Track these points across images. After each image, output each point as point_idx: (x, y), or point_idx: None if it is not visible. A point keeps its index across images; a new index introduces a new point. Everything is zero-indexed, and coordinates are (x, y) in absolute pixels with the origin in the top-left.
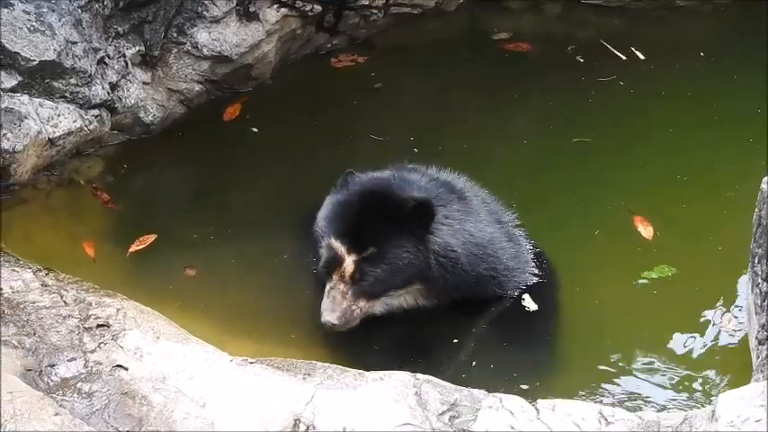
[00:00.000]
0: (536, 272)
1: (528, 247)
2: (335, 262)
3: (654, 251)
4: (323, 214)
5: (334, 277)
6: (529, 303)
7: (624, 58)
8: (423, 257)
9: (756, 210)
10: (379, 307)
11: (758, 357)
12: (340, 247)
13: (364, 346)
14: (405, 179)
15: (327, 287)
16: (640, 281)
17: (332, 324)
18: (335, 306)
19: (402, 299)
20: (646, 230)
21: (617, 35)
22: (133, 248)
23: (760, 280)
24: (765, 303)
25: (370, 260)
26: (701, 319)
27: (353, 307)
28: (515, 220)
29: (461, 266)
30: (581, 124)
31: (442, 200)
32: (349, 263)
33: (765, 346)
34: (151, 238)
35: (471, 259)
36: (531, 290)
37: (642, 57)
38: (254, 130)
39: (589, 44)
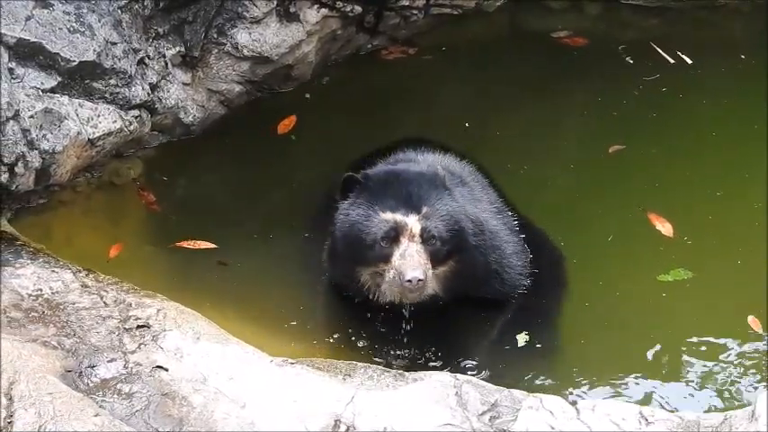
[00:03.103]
0: (533, 270)
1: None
2: (397, 229)
3: (672, 256)
4: (357, 211)
5: (404, 240)
6: (521, 339)
7: (672, 61)
8: (464, 219)
9: None
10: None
11: None
12: (395, 216)
13: (402, 346)
14: (411, 162)
15: (399, 251)
16: (660, 281)
17: (418, 280)
18: (416, 263)
19: (433, 283)
20: (665, 228)
21: (657, 35)
22: (180, 245)
23: None
24: None
25: (428, 218)
26: (729, 322)
27: (428, 266)
28: (511, 212)
29: (483, 245)
30: (620, 124)
31: (450, 181)
32: (413, 222)
33: None
34: (205, 244)
35: (487, 243)
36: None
37: (689, 61)
38: (293, 137)
39: (631, 44)
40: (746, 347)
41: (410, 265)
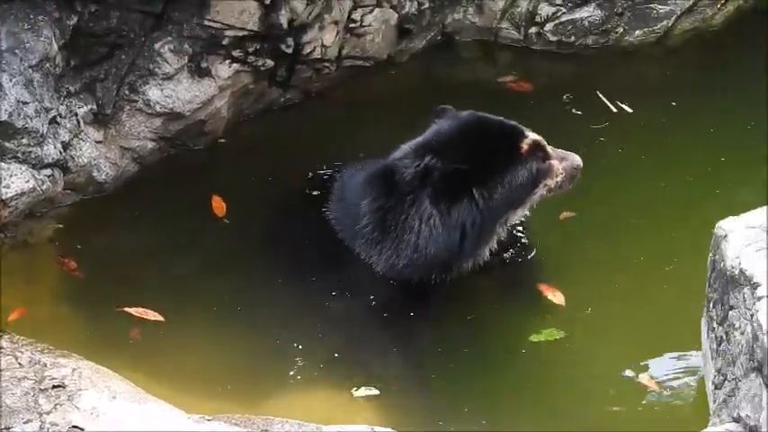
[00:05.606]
0: None
1: None
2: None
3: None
4: None
5: (548, 148)
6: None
7: (614, 110)
8: None
9: (710, 254)
10: None
11: (715, 401)
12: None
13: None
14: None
15: (555, 155)
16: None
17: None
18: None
19: None
20: (556, 297)
21: (574, 82)
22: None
23: (715, 324)
24: (720, 348)
25: None
26: (622, 378)
27: None
28: None
29: None
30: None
31: None
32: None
33: (721, 391)
34: (153, 315)
35: None
36: None
37: (629, 110)
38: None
39: (551, 91)
40: (647, 401)
41: (571, 153)
